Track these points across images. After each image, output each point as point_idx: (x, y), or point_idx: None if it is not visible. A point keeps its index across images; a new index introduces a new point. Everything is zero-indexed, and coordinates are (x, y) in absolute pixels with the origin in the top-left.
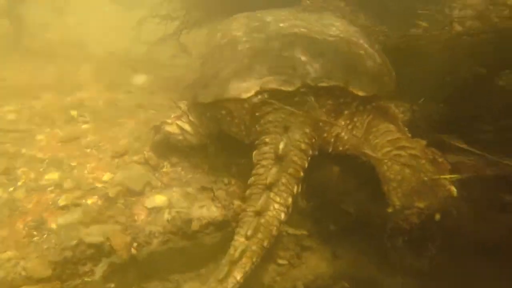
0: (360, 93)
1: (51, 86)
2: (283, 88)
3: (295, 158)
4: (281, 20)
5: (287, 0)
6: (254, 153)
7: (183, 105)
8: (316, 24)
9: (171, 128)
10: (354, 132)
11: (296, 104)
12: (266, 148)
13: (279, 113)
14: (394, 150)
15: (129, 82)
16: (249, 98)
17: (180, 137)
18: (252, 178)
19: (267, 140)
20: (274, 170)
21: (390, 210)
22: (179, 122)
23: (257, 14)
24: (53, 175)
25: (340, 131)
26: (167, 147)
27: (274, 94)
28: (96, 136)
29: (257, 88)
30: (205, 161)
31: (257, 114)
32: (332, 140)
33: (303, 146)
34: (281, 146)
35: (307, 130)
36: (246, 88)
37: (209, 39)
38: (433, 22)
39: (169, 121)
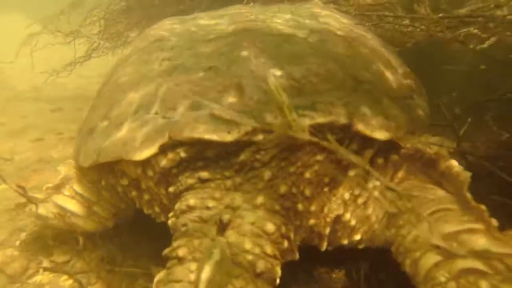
0: (379, 135)
1: None
2: (213, 136)
3: None
4: (223, 16)
5: None
6: (156, 278)
7: (66, 166)
8: (289, 17)
9: (46, 210)
10: (371, 211)
11: (244, 168)
12: (179, 273)
13: (212, 190)
14: (459, 259)
15: (43, 126)
16: (149, 159)
17: (62, 223)
18: None
19: (180, 253)
20: None
21: None
22: (57, 198)
23: (192, 16)
24: None
25: (342, 210)
26: (49, 236)
27: (199, 149)
28: None
29: (162, 140)
30: (109, 254)
31: (170, 189)
32: (327, 230)
33: (260, 265)
34: (205, 273)
35: (270, 227)
36: (142, 141)
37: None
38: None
39: (40, 196)
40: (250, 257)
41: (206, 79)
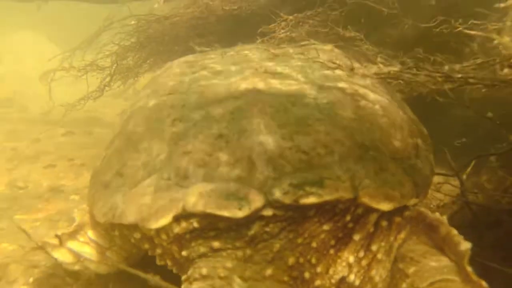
0: (384, 206)
1: None
2: (224, 212)
3: None
4: (236, 68)
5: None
6: None
7: (80, 212)
8: (297, 68)
9: (59, 254)
10: (374, 273)
11: (254, 241)
12: None
13: (224, 259)
14: None
15: (54, 151)
16: (165, 227)
17: (77, 267)
18: None
19: None
20: None
21: None
22: (71, 245)
23: (202, 58)
24: None
25: (347, 272)
26: (62, 276)
27: (211, 221)
28: None
29: (176, 211)
30: None
31: (183, 253)
32: None
33: None
34: None
35: None
36: (157, 210)
37: (133, 101)
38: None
39: (54, 241)
40: None
41: (217, 149)
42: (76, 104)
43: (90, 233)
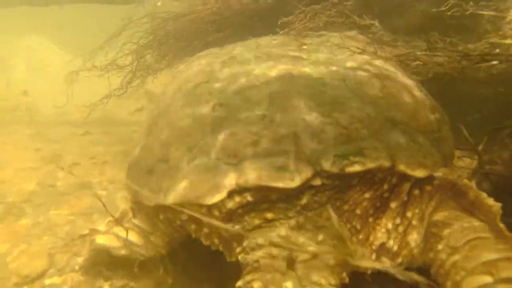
0: (419, 173)
1: None
2: (279, 183)
3: None
4: (264, 56)
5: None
6: None
7: (123, 200)
8: (323, 54)
9: (107, 240)
10: (410, 238)
11: (305, 209)
12: None
13: (277, 229)
14: (500, 284)
15: (76, 151)
16: (218, 203)
17: (123, 251)
18: None
19: (255, 286)
20: None
21: None
22: (118, 231)
23: (228, 49)
24: None
25: (386, 238)
26: (110, 260)
27: (264, 194)
28: (3, 245)
29: (230, 186)
30: (165, 279)
31: (236, 226)
32: (374, 256)
33: None
34: None
35: (332, 261)
36: (210, 186)
37: (163, 91)
38: None
39: (102, 228)
40: (317, 287)
41: (262, 127)
42: (99, 104)
43: (134, 220)
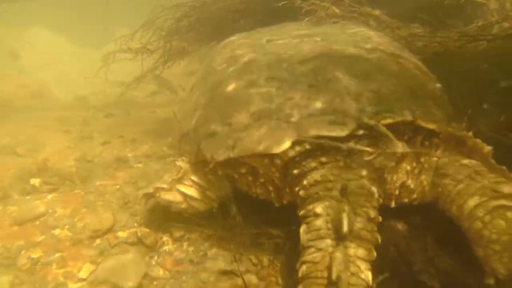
0: (431, 126)
1: (5, 148)
2: (332, 133)
3: (365, 234)
4: (298, 39)
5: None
6: (301, 230)
7: (182, 162)
8: (346, 37)
9: (171, 196)
10: (423, 178)
11: (351, 154)
12: (319, 223)
13: (330, 168)
14: (492, 199)
15: (104, 131)
16: (281, 153)
17: (184, 205)
18: (304, 268)
19: (318, 210)
20: (338, 256)
21: (490, 281)
22: (180, 187)
23: (260, 34)
24: (1, 280)
25: (406, 178)
26: (165, 217)
27: (318, 144)
28: (67, 210)
29: (293, 137)
30: (219, 231)
31: (294, 172)
32: (397, 192)
33: (371, 213)
34: (345, 220)
35: (374, 189)
36: (277, 139)
37: (204, 71)
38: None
39: (166, 186)
40: (365, 208)
41: (313, 93)
42: (131, 84)
43: (194, 177)
